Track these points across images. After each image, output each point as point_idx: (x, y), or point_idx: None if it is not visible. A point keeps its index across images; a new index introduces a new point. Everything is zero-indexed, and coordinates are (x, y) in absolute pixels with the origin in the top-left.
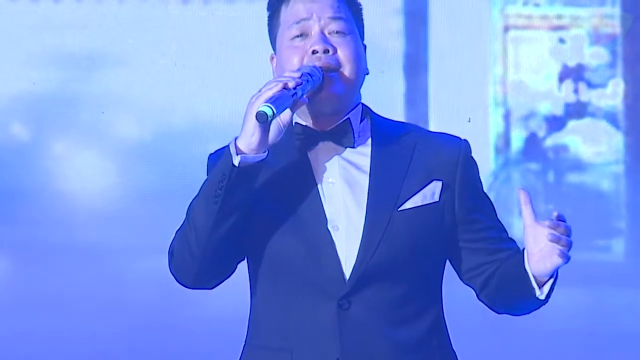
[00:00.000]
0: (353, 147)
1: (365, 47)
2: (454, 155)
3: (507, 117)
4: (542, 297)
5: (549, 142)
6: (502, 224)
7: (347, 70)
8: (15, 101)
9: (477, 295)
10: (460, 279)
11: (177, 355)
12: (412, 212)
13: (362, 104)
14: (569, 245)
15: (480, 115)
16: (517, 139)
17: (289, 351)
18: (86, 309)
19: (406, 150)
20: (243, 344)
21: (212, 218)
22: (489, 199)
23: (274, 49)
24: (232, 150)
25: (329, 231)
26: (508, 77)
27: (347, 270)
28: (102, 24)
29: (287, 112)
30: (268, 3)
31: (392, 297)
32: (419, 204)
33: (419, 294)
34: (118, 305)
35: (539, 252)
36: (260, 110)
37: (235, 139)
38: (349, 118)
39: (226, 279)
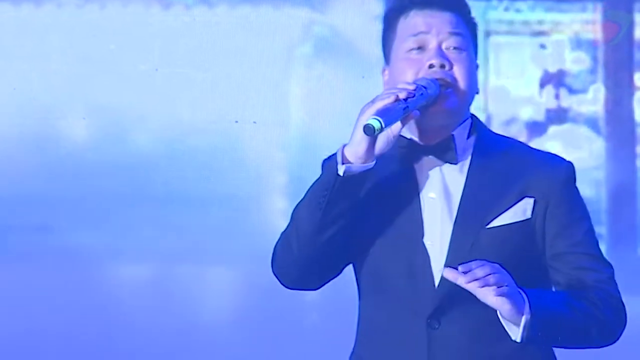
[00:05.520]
0: (455, 164)
1: (477, 66)
2: (554, 175)
3: (488, 122)
4: (517, 339)
5: None
6: (592, 253)
7: (461, 86)
8: None
9: None
10: None
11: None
12: (499, 230)
13: (473, 118)
14: (497, 283)
15: None
16: None
17: None
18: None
19: (504, 167)
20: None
21: (314, 225)
22: (585, 226)
23: (387, 61)
24: (339, 158)
25: (424, 246)
26: (489, 83)
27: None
28: (83, 30)
29: (398, 124)
30: (384, 15)
31: (482, 315)
32: (508, 222)
33: None
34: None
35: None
36: (368, 123)
37: (344, 146)
38: (453, 134)
39: (329, 281)
